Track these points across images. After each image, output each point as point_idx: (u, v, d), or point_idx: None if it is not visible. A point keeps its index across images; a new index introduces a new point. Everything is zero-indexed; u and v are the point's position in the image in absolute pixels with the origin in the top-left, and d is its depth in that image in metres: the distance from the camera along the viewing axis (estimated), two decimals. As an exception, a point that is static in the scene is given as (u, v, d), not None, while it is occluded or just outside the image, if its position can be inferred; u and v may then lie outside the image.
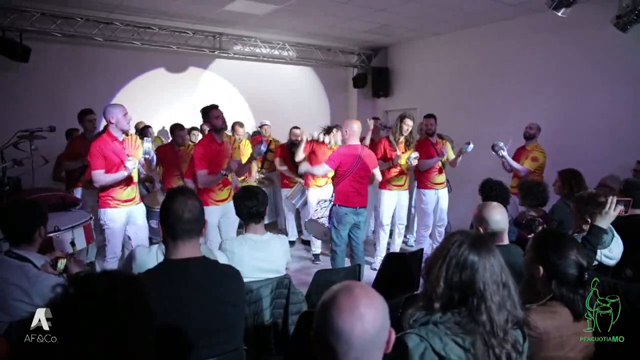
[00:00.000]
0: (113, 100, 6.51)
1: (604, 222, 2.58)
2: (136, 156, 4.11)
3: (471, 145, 5.28)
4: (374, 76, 8.65)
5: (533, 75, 6.43)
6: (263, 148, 4.70)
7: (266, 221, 6.51)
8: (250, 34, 7.53)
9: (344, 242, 4.58)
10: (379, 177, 4.76)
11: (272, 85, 8.12)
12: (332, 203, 4.61)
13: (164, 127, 7.25)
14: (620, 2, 4.70)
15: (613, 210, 2.56)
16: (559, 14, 4.58)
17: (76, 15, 6.13)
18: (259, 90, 7.97)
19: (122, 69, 6.87)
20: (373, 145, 5.61)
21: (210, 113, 4.43)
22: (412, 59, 8.34)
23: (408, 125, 5.40)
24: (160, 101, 6.98)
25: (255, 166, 6.40)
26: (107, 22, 6.37)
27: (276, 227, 6.98)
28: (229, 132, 5.44)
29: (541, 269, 1.85)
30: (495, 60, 6.92)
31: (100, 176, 3.93)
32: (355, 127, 4.54)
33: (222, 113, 4.50)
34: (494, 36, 6.90)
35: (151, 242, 5.27)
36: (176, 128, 5.79)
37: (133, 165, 3.92)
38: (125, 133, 4.07)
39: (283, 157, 6.47)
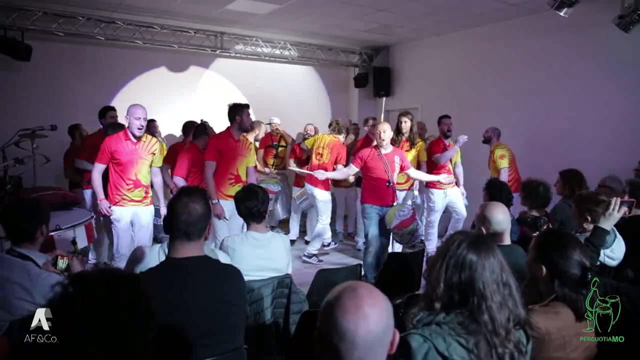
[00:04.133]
0: (114, 99, 6.52)
1: (607, 223, 2.56)
2: (148, 159, 4.19)
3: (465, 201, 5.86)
4: (375, 76, 8.64)
5: (535, 75, 6.42)
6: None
7: (282, 216, 6.61)
8: (251, 33, 7.53)
9: None
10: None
11: (274, 84, 8.11)
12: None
13: (164, 127, 7.25)
14: (622, 2, 4.71)
15: (617, 211, 2.55)
16: (561, 13, 4.58)
17: (78, 15, 6.13)
18: (260, 90, 7.96)
19: (123, 68, 6.87)
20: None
21: (244, 111, 4.52)
22: (413, 58, 8.33)
23: (403, 122, 5.48)
24: (161, 100, 6.97)
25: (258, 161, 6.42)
26: (108, 22, 6.38)
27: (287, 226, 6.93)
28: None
29: (544, 268, 1.85)
30: (497, 60, 6.91)
31: (97, 173, 4.03)
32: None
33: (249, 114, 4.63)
34: (495, 36, 6.89)
35: (156, 240, 5.28)
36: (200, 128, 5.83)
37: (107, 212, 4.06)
38: (135, 137, 4.07)
39: (296, 157, 6.51)
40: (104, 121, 5.10)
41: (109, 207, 4.05)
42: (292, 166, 6.45)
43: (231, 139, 4.54)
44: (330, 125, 6.16)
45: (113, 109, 5.17)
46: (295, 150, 6.66)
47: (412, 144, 5.63)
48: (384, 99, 6.27)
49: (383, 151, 4.69)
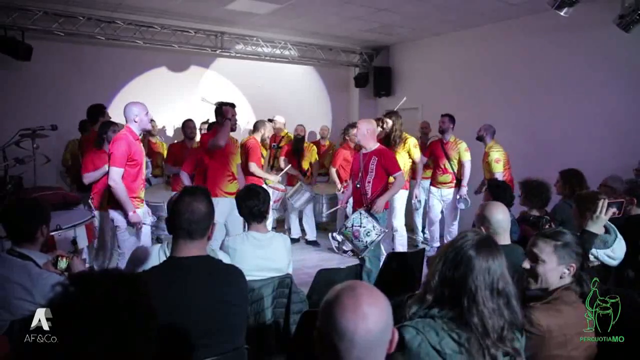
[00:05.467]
0: (115, 99, 6.52)
1: (595, 226, 2.55)
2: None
3: (462, 205, 5.74)
4: (375, 76, 8.64)
5: (535, 75, 6.42)
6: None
7: (273, 216, 6.62)
8: (251, 33, 7.53)
9: None
10: None
11: (274, 84, 8.12)
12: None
13: (163, 127, 7.26)
14: (623, 2, 4.70)
15: (604, 214, 2.53)
16: (562, 13, 4.57)
17: (78, 14, 6.14)
18: (260, 90, 7.97)
19: (123, 67, 6.87)
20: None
21: (229, 110, 4.52)
22: (413, 58, 8.33)
23: (386, 122, 5.41)
24: (161, 100, 6.98)
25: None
26: (109, 21, 6.38)
27: (283, 226, 6.98)
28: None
29: (575, 265, 1.93)
30: (497, 60, 6.91)
31: (119, 178, 3.75)
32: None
33: (236, 114, 4.61)
34: (496, 36, 6.89)
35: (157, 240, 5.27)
36: (187, 122, 5.88)
37: (147, 222, 3.99)
38: (148, 133, 4.06)
39: (287, 156, 6.52)
40: (103, 119, 4.88)
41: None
42: (283, 164, 6.45)
43: None
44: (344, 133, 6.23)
45: (105, 107, 5.11)
46: (285, 149, 6.64)
47: (395, 144, 5.42)
48: (405, 98, 6.26)
49: (363, 151, 4.45)
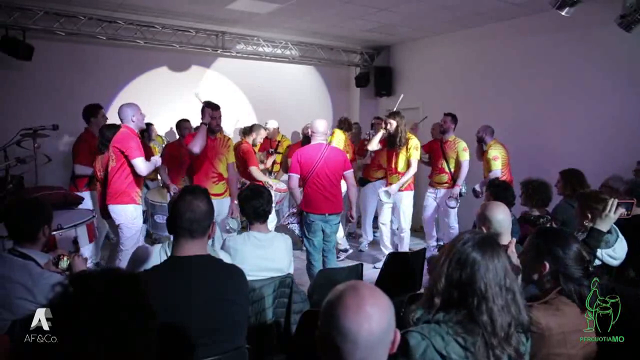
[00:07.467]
0: (116, 99, 6.52)
1: (604, 224, 2.55)
2: None
3: (452, 203, 5.69)
4: (376, 75, 8.63)
5: (536, 75, 6.40)
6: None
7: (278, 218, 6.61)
8: (252, 32, 7.53)
9: (319, 250, 4.38)
10: (350, 180, 4.50)
11: (275, 84, 8.11)
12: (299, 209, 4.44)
13: (171, 128, 7.26)
14: (624, 2, 4.68)
15: (613, 212, 2.53)
16: (563, 13, 4.57)
17: (79, 14, 6.14)
18: (261, 89, 7.97)
19: (124, 67, 6.87)
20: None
21: (205, 110, 4.49)
22: (414, 58, 8.32)
23: (390, 124, 5.41)
24: (162, 100, 6.98)
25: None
26: (110, 21, 6.38)
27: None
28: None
29: (547, 265, 1.86)
30: (499, 59, 6.90)
31: (145, 162, 3.94)
32: (318, 125, 4.42)
33: (219, 116, 4.55)
34: (497, 36, 6.88)
35: (151, 237, 5.25)
36: (181, 122, 5.91)
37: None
38: (149, 138, 4.16)
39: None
40: (95, 120, 4.96)
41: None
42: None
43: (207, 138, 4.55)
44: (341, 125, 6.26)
45: (102, 107, 5.13)
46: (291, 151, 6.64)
47: (401, 144, 5.40)
48: (402, 95, 6.26)
49: None
